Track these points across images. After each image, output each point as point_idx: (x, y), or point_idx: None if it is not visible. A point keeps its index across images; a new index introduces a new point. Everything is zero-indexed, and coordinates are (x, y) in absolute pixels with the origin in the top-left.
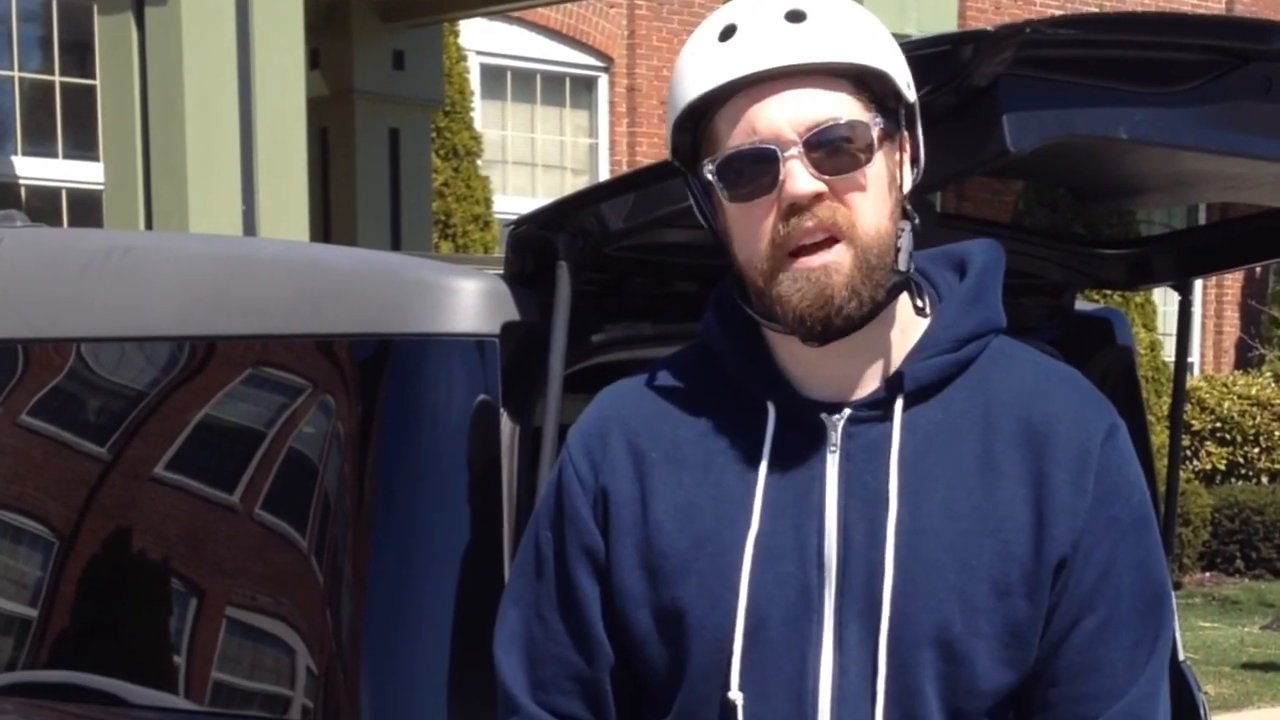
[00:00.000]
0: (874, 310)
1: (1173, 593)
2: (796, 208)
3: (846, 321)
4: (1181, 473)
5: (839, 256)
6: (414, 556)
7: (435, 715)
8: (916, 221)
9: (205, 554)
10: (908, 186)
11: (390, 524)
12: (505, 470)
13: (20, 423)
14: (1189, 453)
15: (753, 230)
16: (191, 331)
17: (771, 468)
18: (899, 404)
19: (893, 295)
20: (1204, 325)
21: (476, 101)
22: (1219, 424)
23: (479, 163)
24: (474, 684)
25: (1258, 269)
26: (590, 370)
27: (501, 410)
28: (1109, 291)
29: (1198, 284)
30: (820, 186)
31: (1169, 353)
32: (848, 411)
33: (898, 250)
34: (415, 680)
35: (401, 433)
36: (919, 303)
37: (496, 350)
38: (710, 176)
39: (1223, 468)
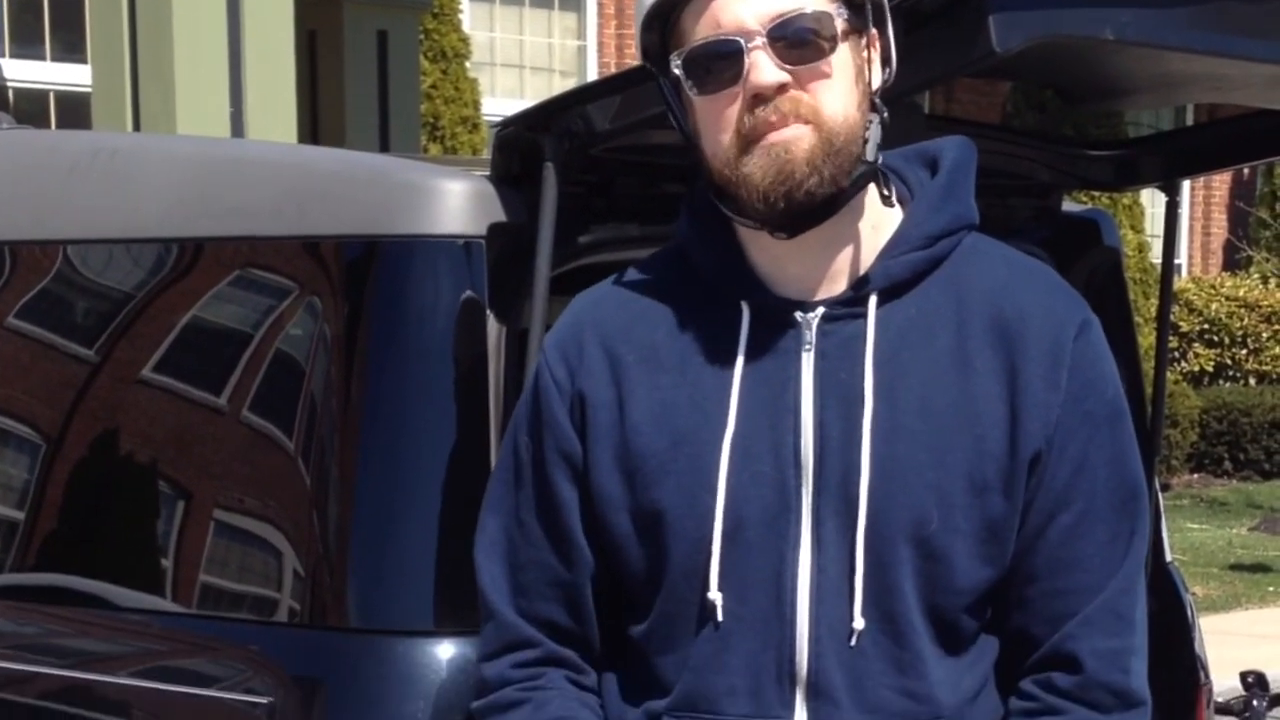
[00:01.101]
0: (838, 196)
1: (1153, 488)
2: (761, 98)
3: (808, 198)
4: (1169, 374)
5: (801, 133)
6: (400, 458)
7: (422, 616)
8: (885, 115)
9: (192, 456)
10: (876, 83)
11: (377, 425)
12: (491, 371)
13: (7, 325)
14: (1177, 354)
15: (718, 122)
16: (178, 233)
17: (746, 367)
18: (873, 301)
19: (859, 185)
20: (1192, 227)
21: (465, 4)
22: (1207, 326)
23: (467, 65)
24: (461, 584)
25: (1245, 170)
26: (576, 271)
27: (488, 311)
28: (1096, 193)
29: (1185, 185)
30: (784, 77)
31: (1157, 254)
32: (821, 309)
33: (865, 141)
34: (402, 581)
35: (388, 334)
36: (885, 191)
37: (483, 251)
38: (677, 71)
39: (1210, 369)
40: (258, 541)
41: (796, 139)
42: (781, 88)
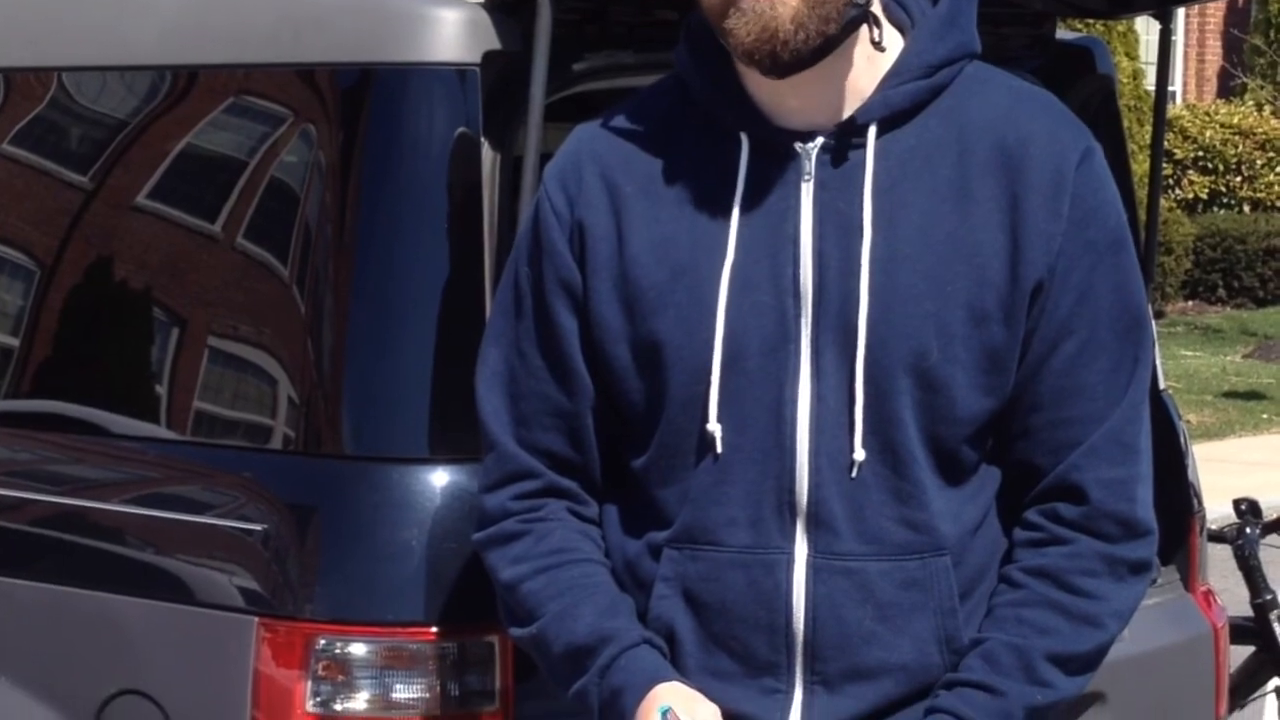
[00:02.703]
0: (826, 44)
1: (1152, 318)
2: None
3: (794, 56)
4: (1163, 202)
5: None
6: (395, 285)
7: (416, 444)
8: None
9: (187, 283)
10: None
11: (371, 253)
12: (485, 199)
13: (1, 151)
14: (1171, 182)
15: None
16: (173, 60)
17: (746, 198)
18: (872, 131)
19: (849, 29)
20: (1186, 54)
21: None
22: (1201, 153)
23: None
24: (454, 412)
25: None
26: (570, 99)
27: (482, 139)
28: (1090, 20)
29: (1180, 12)
30: None
31: (1151, 81)
32: (820, 140)
33: None
34: (396, 408)
35: (382, 162)
36: (875, 37)
37: (477, 79)
38: None
39: (1205, 196)
40: (252, 369)
41: None
42: None
